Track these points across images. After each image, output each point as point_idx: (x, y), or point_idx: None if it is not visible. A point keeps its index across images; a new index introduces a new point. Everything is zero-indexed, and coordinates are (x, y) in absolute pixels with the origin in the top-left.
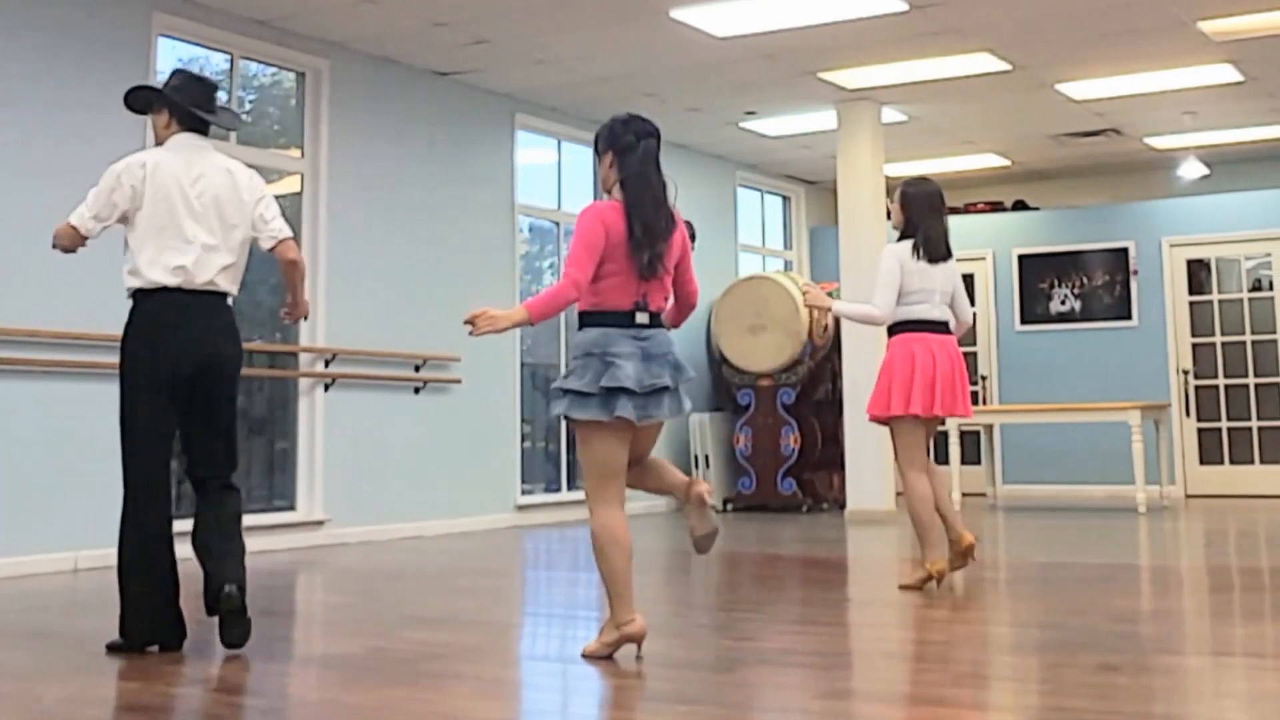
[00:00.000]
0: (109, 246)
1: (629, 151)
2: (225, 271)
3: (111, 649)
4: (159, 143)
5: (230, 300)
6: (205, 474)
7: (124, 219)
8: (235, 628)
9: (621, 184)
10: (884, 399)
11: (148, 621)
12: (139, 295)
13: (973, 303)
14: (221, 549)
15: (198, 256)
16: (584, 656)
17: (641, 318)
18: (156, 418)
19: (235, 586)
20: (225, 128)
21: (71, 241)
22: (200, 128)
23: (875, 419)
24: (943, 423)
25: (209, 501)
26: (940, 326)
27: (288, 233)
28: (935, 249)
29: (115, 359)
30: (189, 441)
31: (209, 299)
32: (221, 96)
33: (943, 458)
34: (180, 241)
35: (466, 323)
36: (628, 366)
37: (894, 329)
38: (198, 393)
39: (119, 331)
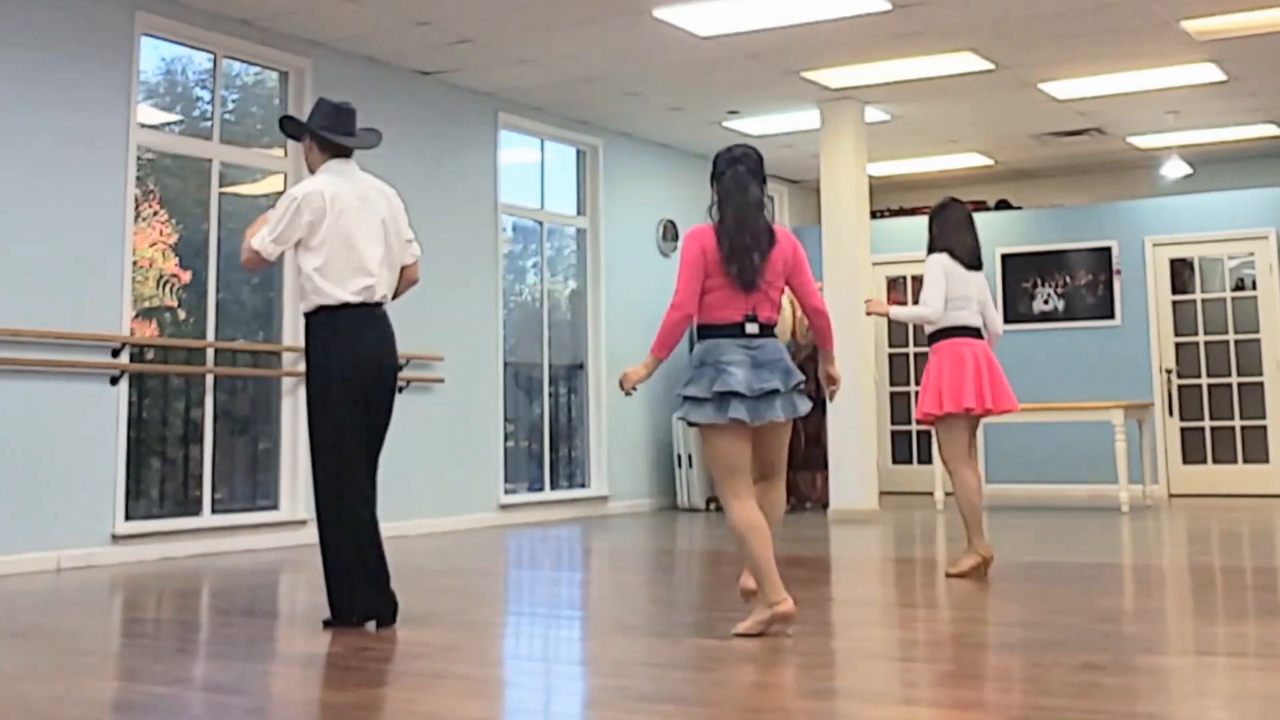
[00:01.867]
0: (95, 246)
1: (719, 179)
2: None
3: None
4: (311, 167)
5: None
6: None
7: (300, 244)
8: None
9: (716, 206)
10: (937, 398)
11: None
12: (324, 312)
13: None
14: None
15: (378, 275)
16: (737, 635)
17: (751, 328)
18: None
19: None
20: (367, 147)
21: (255, 265)
22: (344, 153)
23: (927, 418)
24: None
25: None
26: (977, 332)
27: (418, 253)
28: (967, 258)
29: (97, 358)
30: (371, 440)
31: (381, 311)
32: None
33: (925, 457)
34: (361, 262)
35: (622, 387)
36: (739, 373)
37: (939, 335)
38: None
39: (102, 330)
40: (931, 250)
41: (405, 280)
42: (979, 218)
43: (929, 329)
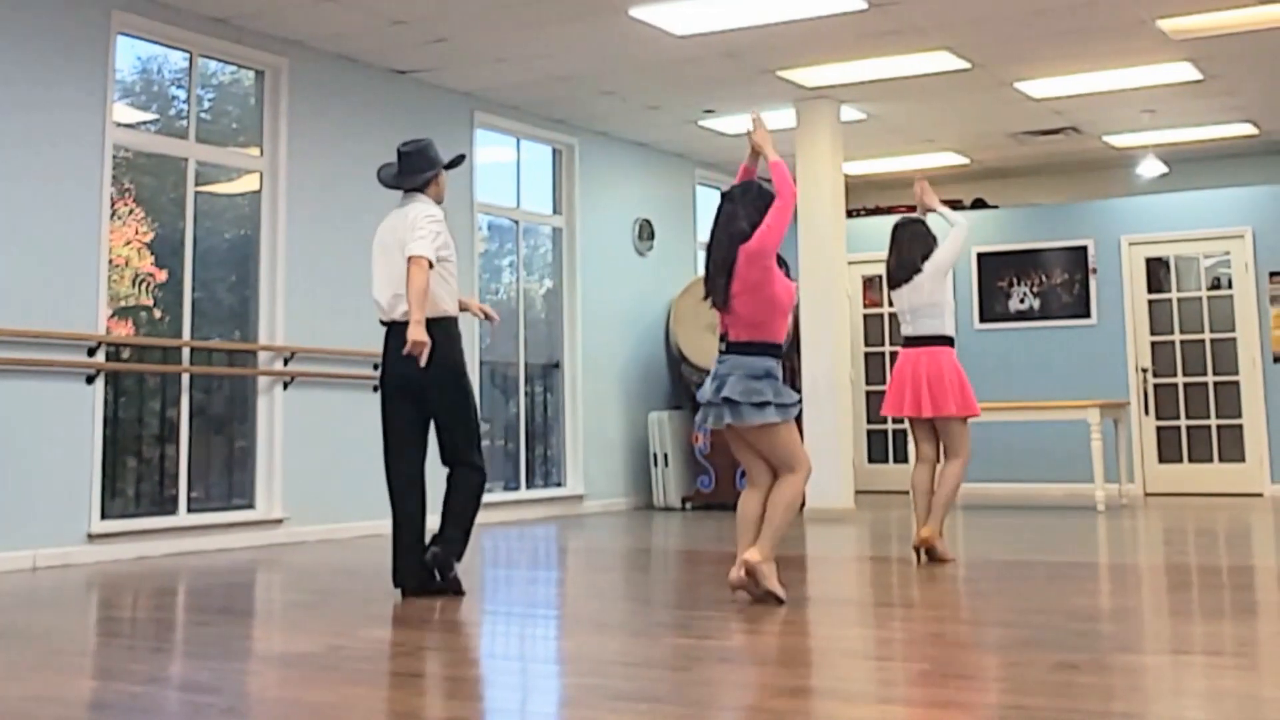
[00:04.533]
0: (71, 245)
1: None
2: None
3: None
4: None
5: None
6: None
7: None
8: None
9: None
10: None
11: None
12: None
13: None
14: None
15: (382, 298)
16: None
17: (721, 345)
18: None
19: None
20: (393, 187)
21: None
22: (408, 189)
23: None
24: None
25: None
26: (918, 341)
27: (415, 251)
28: (889, 279)
29: (73, 357)
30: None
31: (399, 327)
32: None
33: (901, 455)
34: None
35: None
36: (705, 385)
37: None
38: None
39: (78, 329)
40: None
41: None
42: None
43: None
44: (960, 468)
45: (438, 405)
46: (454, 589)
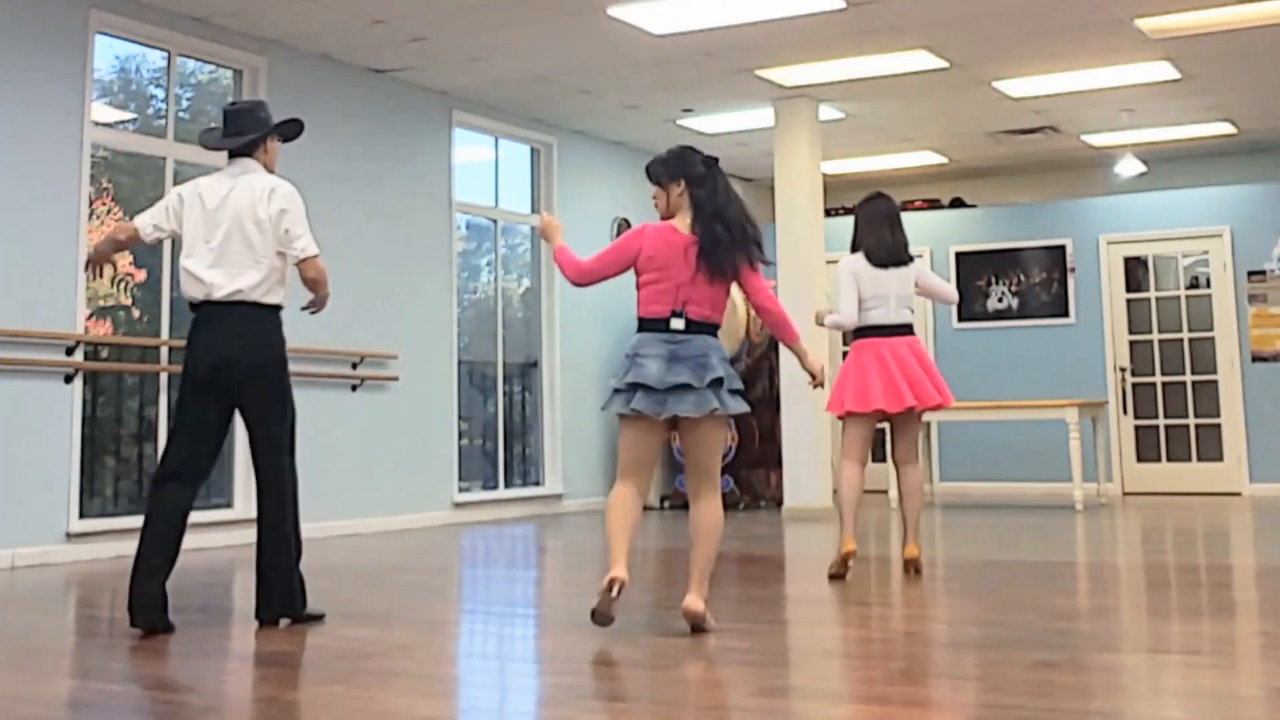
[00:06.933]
0: (50, 244)
1: (700, 184)
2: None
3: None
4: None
5: (264, 308)
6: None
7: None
8: None
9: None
10: (839, 397)
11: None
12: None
13: None
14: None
15: (205, 275)
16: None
17: (677, 324)
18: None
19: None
20: (215, 149)
21: (136, 242)
22: (236, 153)
23: (837, 415)
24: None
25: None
26: (897, 330)
27: (311, 251)
28: (877, 255)
29: (51, 356)
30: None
31: (222, 309)
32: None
33: (878, 455)
34: (188, 263)
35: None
36: (650, 365)
37: (856, 335)
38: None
39: (57, 328)
40: (853, 249)
41: (303, 281)
42: (933, 216)
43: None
44: (920, 472)
45: (260, 399)
46: (307, 618)
